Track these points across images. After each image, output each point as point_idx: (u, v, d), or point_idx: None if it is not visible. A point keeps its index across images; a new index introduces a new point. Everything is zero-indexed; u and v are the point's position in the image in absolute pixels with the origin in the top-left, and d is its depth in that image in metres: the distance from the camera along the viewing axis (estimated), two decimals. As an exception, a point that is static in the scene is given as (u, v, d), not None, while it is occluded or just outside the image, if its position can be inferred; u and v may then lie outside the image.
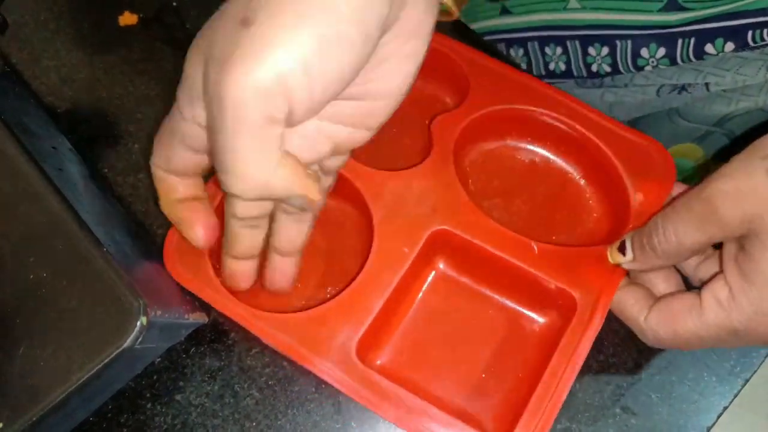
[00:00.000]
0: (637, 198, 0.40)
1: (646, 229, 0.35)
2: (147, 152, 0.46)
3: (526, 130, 0.44)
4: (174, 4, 0.51)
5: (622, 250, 0.36)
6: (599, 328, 0.36)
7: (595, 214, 0.44)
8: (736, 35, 0.46)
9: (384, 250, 0.38)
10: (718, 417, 0.39)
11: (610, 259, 0.38)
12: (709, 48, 0.47)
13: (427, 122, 0.46)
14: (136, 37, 0.50)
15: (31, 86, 0.48)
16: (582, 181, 0.45)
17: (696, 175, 0.60)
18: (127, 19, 0.50)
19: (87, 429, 0.38)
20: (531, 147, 0.46)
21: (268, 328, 0.36)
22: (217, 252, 0.40)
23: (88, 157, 0.46)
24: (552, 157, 0.45)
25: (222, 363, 0.40)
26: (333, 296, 0.37)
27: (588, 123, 0.42)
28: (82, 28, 0.50)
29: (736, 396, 0.40)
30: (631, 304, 0.36)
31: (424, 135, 0.46)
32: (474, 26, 0.61)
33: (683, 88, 0.52)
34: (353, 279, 0.38)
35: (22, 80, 0.48)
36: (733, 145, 0.57)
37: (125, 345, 0.30)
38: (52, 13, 0.51)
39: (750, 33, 0.45)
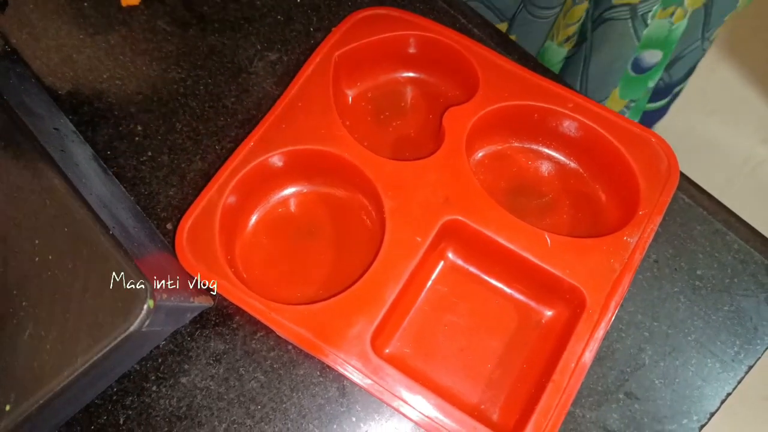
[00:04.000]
0: (644, 188, 0.40)
1: None
2: (149, 134, 0.46)
3: (536, 126, 0.44)
4: (176, -17, 0.50)
5: None
6: (608, 327, 0.36)
7: (603, 208, 0.44)
8: None
9: (397, 239, 0.38)
10: (722, 403, 0.39)
11: None
12: None
13: (431, 116, 0.46)
14: (138, 18, 0.49)
15: (31, 67, 0.47)
16: (588, 177, 0.44)
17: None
18: (130, -1, 0.49)
19: (92, 411, 0.38)
20: (537, 147, 0.45)
21: (281, 319, 0.36)
22: (229, 242, 0.40)
23: (90, 138, 0.45)
24: (558, 155, 0.45)
25: (227, 346, 0.40)
26: (347, 287, 0.37)
27: (596, 117, 0.42)
28: (83, 7, 0.50)
29: (740, 382, 0.40)
30: None
31: (431, 128, 0.45)
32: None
33: None
34: (366, 269, 0.38)
35: (22, 60, 0.47)
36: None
37: (132, 328, 0.30)
38: (52, -8, 0.50)
39: None
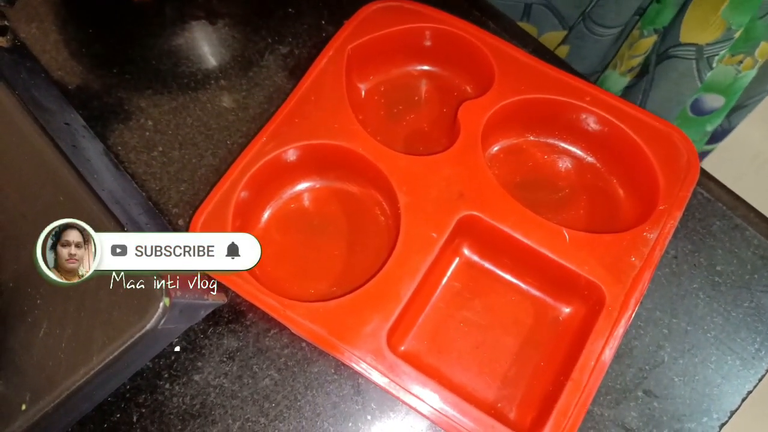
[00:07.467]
0: (663, 183, 0.39)
1: None
2: (160, 129, 0.45)
3: (553, 120, 0.43)
4: (186, -24, 0.50)
5: None
6: (628, 324, 0.35)
7: (620, 204, 0.43)
8: None
9: (412, 235, 0.38)
10: (743, 400, 0.39)
11: None
12: None
13: (445, 110, 0.45)
14: (148, 12, 0.49)
15: (40, 61, 0.47)
16: (605, 171, 0.44)
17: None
18: (139, -9, 0.48)
19: (105, 409, 0.38)
20: (553, 141, 0.44)
21: (296, 316, 0.35)
22: None
23: (100, 133, 0.45)
24: (575, 150, 0.44)
25: (240, 344, 0.40)
26: (362, 283, 0.37)
27: (614, 111, 0.41)
28: (92, 1, 0.49)
29: (761, 380, 0.39)
30: None
31: (446, 122, 0.45)
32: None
33: None
34: (381, 265, 0.37)
35: (31, 55, 0.47)
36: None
37: (148, 326, 0.29)
38: (60, -15, 0.49)
39: None
